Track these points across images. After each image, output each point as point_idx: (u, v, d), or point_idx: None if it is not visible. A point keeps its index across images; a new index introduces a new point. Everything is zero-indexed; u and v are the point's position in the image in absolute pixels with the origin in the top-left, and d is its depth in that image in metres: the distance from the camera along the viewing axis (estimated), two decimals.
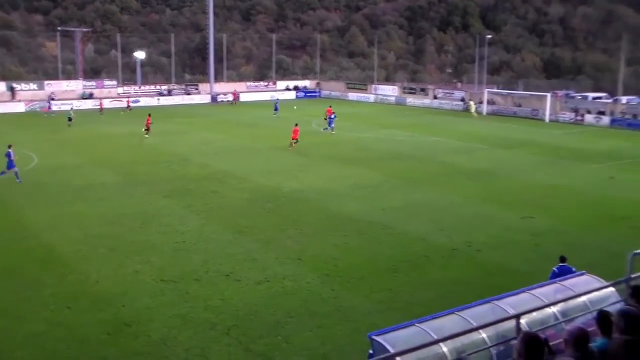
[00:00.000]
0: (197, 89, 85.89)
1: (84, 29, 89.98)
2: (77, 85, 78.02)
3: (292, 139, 43.68)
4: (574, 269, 15.56)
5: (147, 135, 49.39)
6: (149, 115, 51.46)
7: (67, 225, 25.62)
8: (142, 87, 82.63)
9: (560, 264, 16.60)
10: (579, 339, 5.77)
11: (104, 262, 21.26)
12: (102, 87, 78.97)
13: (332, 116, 53.27)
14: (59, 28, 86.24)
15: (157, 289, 18.84)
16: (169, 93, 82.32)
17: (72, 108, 63.31)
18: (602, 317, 6.93)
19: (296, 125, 44.61)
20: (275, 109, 66.51)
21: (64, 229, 25.12)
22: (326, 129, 52.60)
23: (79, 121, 56.63)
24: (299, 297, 18.38)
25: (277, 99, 73.71)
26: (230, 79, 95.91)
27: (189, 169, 37.30)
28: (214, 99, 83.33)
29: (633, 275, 8.55)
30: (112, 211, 27.71)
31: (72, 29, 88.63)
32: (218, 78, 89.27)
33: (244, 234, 24.47)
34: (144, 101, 77.23)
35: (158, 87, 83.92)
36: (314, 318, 16.93)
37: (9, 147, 33.44)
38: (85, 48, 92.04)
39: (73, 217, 26.82)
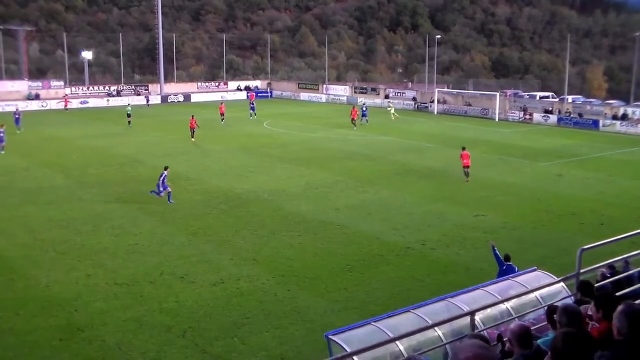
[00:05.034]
0: (147, 90, 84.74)
1: (28, 28, 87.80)
2: (22, 86, 76.20)
3: (464, 166, 34.21)
4: (516, 268, 15.88)
5: (193, 139, 47.43)
6: (193, 117, 48.92)
7: (14, 229, 25.04)
8: (91, 88, 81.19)
9: (506, 263, 16.79)
10: (522, 336, 5.89)
11: (55, 266, 20.86)
12: (49, 87, 77.26)
13: (364, 109, 59.37)
14: (0, 26, 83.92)
15: (110, 293, 18.57)
16: (118, 94, 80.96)
17: (129, 104, 61.83)
18: (552, 312, 7.13)
19: (464, 148, 34.58)
20: (252, 109, 63.86)
21: (12, 233, 24.55)
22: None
23: (24, 122, 55.16)
24: (255, 298, 18.34)
25: (253, 102, 67.21)
26: (181, 79, 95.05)
27: (140, 170, 36.79)
28: (164, 99, 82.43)
29: (582, 271, 8.76)
30: (62, 214, 27.18)
31: (15, 27, 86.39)
32: (168, 78, 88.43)
33: (197, 236, 24.30)
34: (93, 102, 76.03)
35: (107, 87, 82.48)
36: (270, 319, 16.91)
37: (165, 169, 29.64)
38: (30, 47, 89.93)
39: (21, 221, 26.22)
